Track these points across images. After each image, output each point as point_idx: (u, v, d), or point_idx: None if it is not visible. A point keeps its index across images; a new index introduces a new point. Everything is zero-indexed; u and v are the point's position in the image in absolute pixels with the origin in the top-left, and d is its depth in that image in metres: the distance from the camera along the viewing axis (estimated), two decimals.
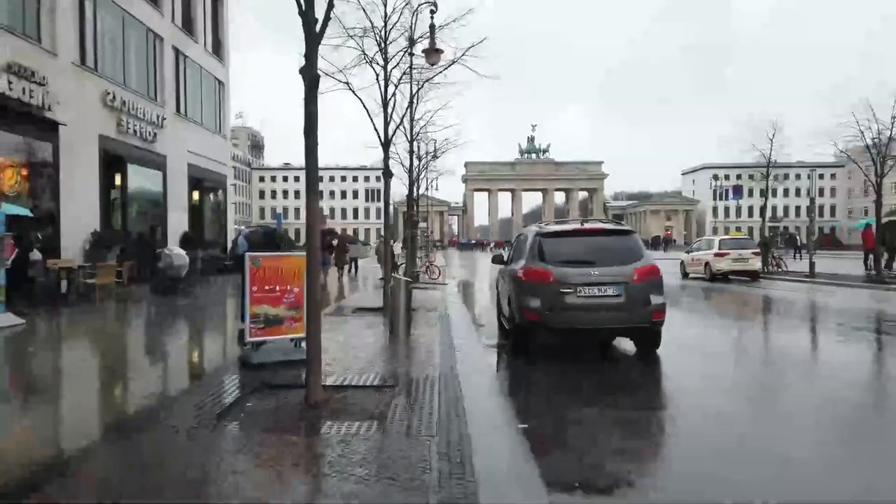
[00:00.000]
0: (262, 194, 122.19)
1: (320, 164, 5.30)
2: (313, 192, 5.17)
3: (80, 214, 15.59)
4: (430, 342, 8.29)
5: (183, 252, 14.51)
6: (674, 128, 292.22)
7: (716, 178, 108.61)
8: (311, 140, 5.02)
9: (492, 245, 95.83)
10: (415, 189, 21.62)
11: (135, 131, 18.52)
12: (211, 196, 25.63)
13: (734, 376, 7.21)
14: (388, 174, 12.83)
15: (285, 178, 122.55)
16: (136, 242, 17.51)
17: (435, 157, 42.88)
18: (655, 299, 7.68)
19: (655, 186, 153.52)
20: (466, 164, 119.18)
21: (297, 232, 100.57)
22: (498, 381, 6.70)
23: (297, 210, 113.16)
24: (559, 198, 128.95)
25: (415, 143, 20.26)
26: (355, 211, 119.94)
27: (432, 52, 14.69)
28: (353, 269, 24.64)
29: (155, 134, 19.70)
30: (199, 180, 23.79)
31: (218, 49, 25.86)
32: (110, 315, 12.25)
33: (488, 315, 12.48)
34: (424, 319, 10.74)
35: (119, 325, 11.31)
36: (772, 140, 26.67)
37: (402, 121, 13.14)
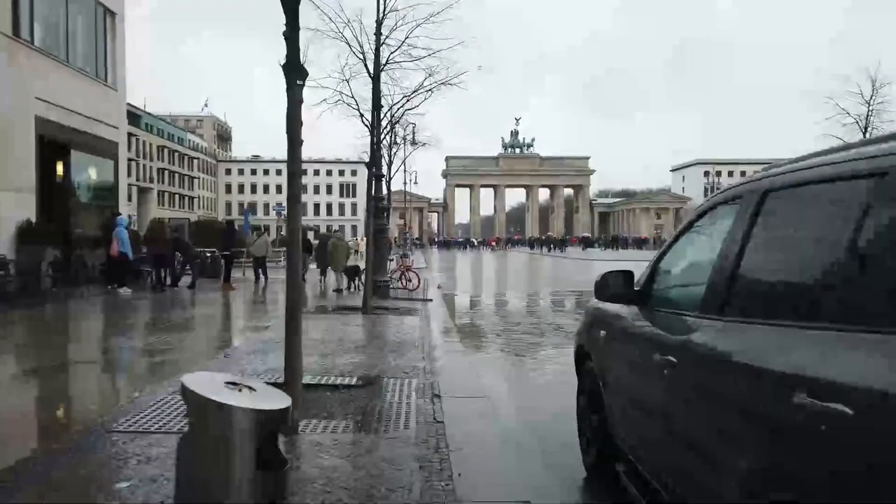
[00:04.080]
0: (228, 188, 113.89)
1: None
2: None
3: None
4: None
5: None
6: (660, 126, 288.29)
7: (707, 174, 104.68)
8: None
9: (498, 242, 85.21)
10: (379, 155, 14.23)
11: None
12: (91, 172, 17.75)
13: None
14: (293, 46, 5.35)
15: (254, 172, 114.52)
16: None
17: (414, 141, 36.43)
18: None
19: (641, 184, 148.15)
20: (447, 159, 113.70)
21: (267, 228, 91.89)
22: None
23: (266, 205, 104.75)
24: (543, 194, 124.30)
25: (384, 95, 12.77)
26: (328, 207, 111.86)
27: None
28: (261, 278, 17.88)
29: None
30: (62, 145, 15.92)
31: None
32: None
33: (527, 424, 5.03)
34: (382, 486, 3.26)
35: None
36: (869, 102, 19.74)
37: None
